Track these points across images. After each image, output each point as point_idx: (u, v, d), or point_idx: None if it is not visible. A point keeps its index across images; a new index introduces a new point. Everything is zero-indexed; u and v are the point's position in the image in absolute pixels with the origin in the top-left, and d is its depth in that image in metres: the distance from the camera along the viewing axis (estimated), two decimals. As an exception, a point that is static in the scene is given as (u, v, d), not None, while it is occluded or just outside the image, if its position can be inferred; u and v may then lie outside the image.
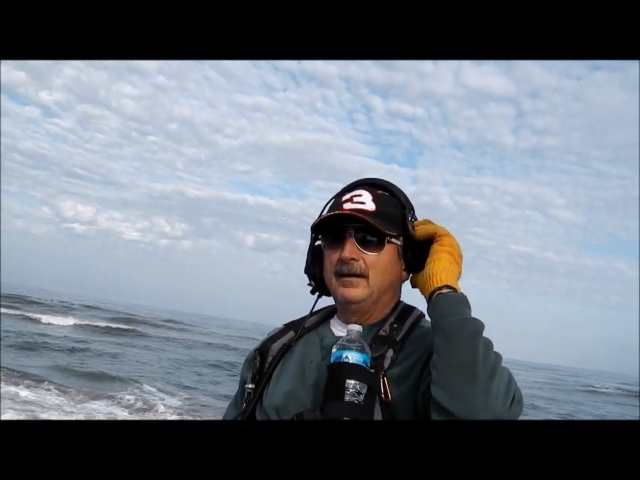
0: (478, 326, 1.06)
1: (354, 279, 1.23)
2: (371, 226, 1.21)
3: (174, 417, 9.48)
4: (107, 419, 8.54)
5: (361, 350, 1.12)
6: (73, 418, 8.28)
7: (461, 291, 1.16)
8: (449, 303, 1.12)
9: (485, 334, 1.06)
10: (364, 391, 1.09)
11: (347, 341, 1.14)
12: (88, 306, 39.25)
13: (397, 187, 1.33)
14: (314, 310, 1.39)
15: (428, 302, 1.16)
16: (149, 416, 9.41)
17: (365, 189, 1.29)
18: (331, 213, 1.24)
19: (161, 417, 9.45)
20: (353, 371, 1.10)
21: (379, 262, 1.24)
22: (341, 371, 1.10)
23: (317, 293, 1.36)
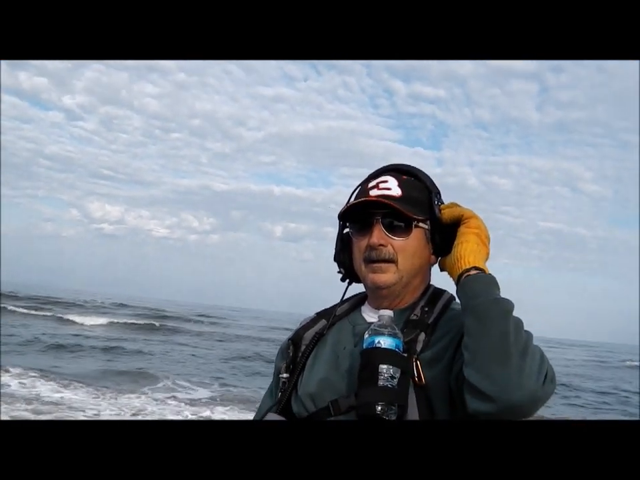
0: (508, 305, 1.06)
1: (383, 265, 1.24)
2: (398, 211, 1.21)
3: (207, 413, 9.59)
4: (133, 418, 8.65)
5: (393, 335, 1.13)
6: (108, 417, 8.44)
7: (489, 272, 1.16)
8: (478, 284, 1.12)
9: (516, 313, 1.05)
10: (397, 375, 1.09)
11: (378, 326, 1.15)
12: (120, 304, 40.12)
13: (422, 171, 1.34)
14: (345, 297, 1.39)
15: (457, 284, 1.17)
16: (183, 411, 9.56)
17: (390, 175, 1.30)
18: (358, 200, 1.25)
19: (195, 411, 9.59)
20: (386, 355, 1.10)
21: (407, 246, 1.24)
22: (374, 356, 1.11)
23: (348, 280, 1.36)
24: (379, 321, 1.16)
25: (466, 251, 1.17)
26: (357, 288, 1.38)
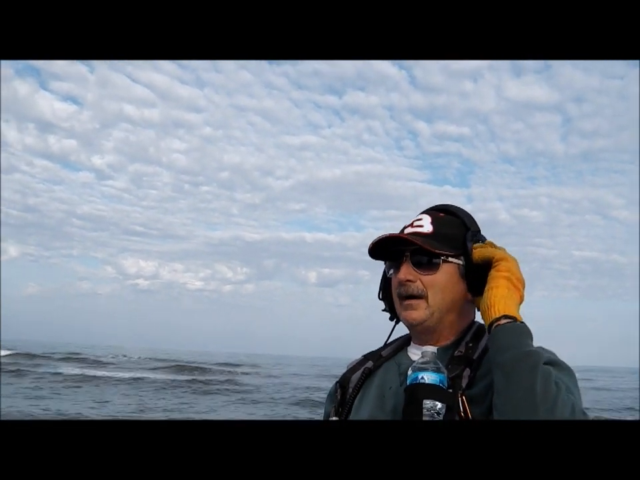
0: (535, 358, 1.03)
1: (413, 301, 1.25)
2: (419, 246, 1.22)
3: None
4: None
5: (437, 370, 1.12)
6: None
7: (521, 320, 1.13)
8: (506, 336, 1.09)
9: (556, 344, 1.07)
10: (443, 411, 1.07)
11: (422, 363, 1.14)
12: (149, 358, 40.60)
13: (462, 210, 1.34)
14: (391, 337, 1.40)
15: (488, 333, 1.14)
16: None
17: (427, 213, 1.32)
18: (380, 237, 1.26)
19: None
20: (430, 390, 1.09)
21: (435, 281, 1.24)
22: (418, 391, 1.10)
23: (395, 319, 1.37)
24: (422, 357, 1.15)
25: (496, 298, 1.15)
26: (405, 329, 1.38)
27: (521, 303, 1.18)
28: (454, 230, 1.28)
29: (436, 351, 1.16)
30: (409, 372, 1.14)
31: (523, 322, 1.13)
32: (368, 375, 1.33)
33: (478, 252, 1.24)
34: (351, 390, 1.33)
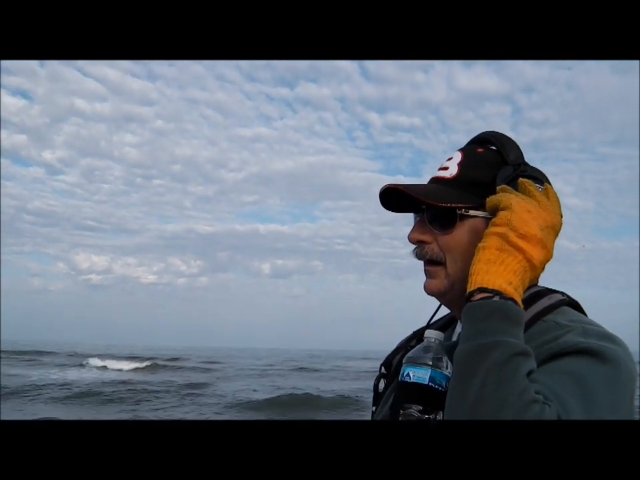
0: (492, 353, 0.79)
1: (431, 268, 1.02)
2: (417, 199, 0.98)
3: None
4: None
5: (429, 364, 0.89)
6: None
7: (510, 294, 0.85)
8: (471, 319, 0.85)
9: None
10: (428, 418, 0.87)
11: (412, 353, 0.93)
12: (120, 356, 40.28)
13: (506, 139, 1.06)
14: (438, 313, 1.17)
15: None
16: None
17: (462, 150, 1.07)
18: (381, 189, 1.02)
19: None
20: (411, 392, 0.89)
21: (452, 243, 0.99)
22: (398, 393, 0.92)
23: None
24: (423, 343, 0.94)
25: (478, 264, 0.89)
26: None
27: (525, 269, 0.89)
28: (486, 170, 1.01)
29: (441, 335, 0.95)
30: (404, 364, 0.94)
31: (506, 297, 0.85)
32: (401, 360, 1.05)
33: (491, 199, 0.95)
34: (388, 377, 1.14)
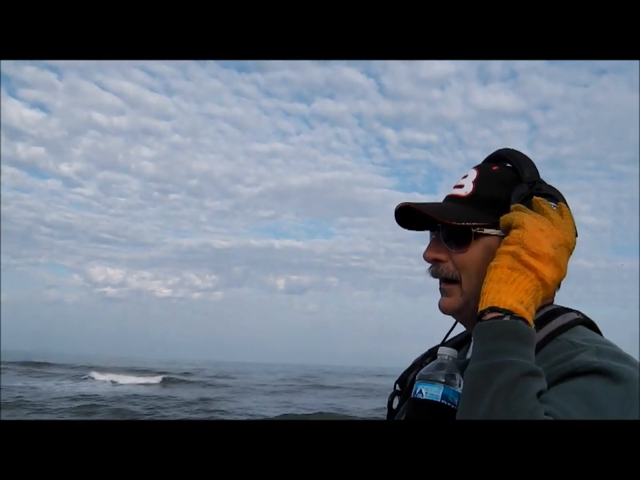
0: (500, 374, 0.80)
1: (446, 286, 1.03)
2: (432, 219, 0.99)
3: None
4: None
5: (442, 381, 0.89)
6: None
7: (522, 313, 0.85)
8: (481, 338, 0.85)
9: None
10: None
11: (425, 370, 0.93)
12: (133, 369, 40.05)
13: (522, 156, 1.06)
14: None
15: None
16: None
17: (477, 168, 1.07)
18: (397, 207, 1.03)
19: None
20: (423, 410, 0.89)
21: (467, 261, 1.00)
22: (410, 410, 0.93)
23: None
24: (436, 360, 0.94)
25: (491, 282, 0.89)
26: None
27: (537, 288, 0.88)
28: (501, 188, 1.01)
29: (454, 354, 0.95)
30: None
31: (517, 316, 0.85)
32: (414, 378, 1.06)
33: (504, 218, 0.95)
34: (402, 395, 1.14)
